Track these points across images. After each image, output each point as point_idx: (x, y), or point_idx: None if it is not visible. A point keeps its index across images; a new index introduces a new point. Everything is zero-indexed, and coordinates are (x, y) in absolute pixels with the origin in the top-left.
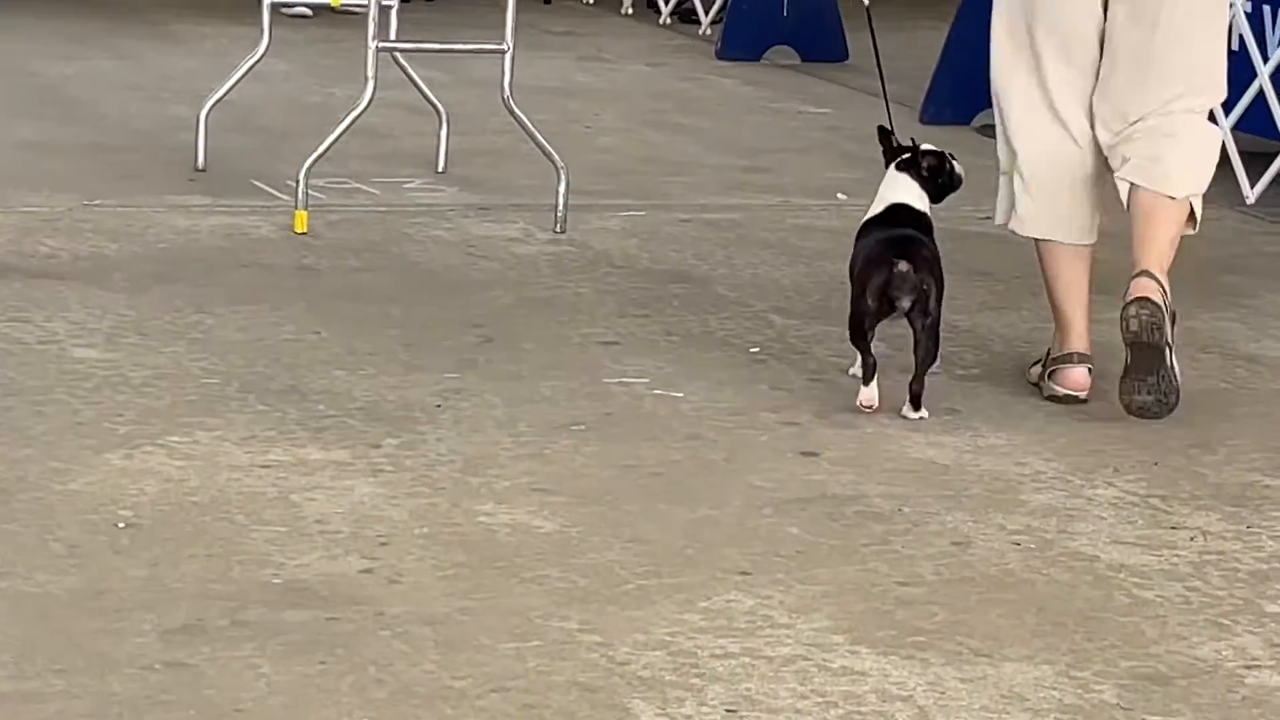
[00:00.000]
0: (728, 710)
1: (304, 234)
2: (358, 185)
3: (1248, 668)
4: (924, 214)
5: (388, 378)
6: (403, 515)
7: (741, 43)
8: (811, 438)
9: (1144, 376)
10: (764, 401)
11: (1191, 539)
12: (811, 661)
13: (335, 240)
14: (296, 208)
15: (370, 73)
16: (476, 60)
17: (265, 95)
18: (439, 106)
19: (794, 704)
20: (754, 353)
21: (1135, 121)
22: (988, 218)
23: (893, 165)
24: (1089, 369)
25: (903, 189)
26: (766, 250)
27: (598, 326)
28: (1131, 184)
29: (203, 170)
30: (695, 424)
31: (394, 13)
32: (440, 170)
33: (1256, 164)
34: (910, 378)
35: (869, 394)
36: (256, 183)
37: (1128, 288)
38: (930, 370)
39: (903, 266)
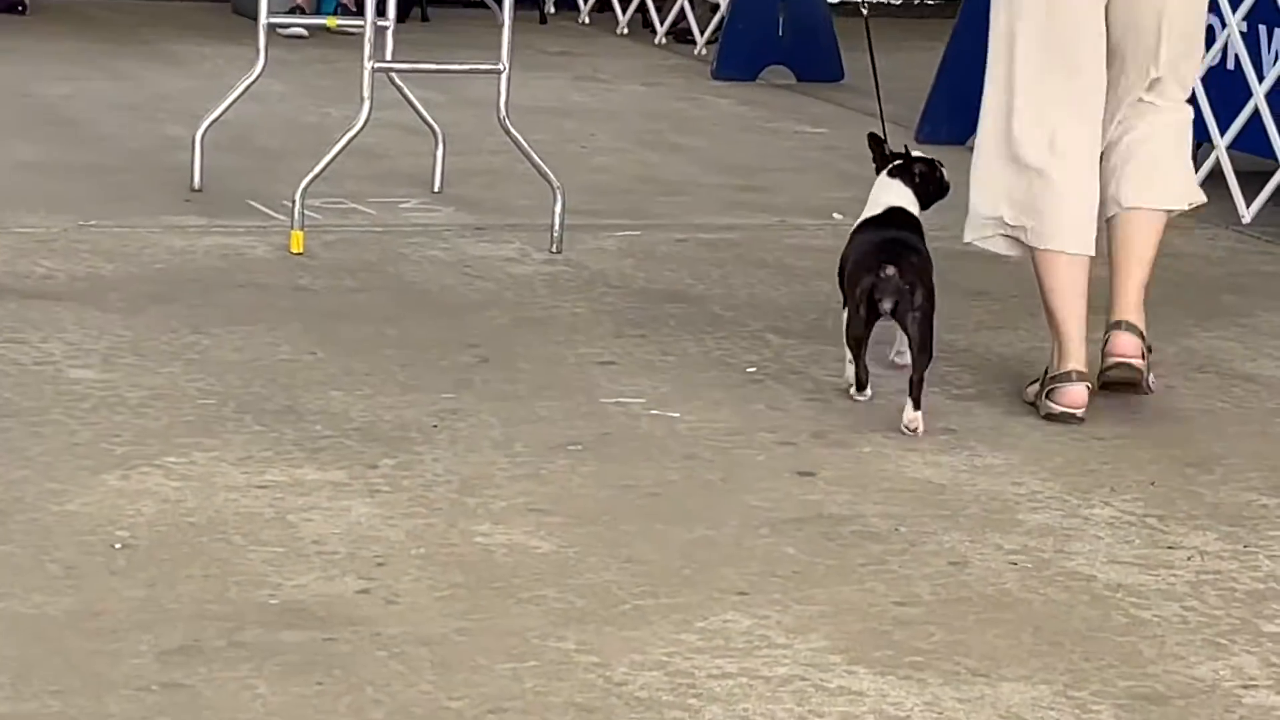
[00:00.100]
0: None
1: (300, 254)
2: (354, 205)
3: (1245, 687)
4: (916, 217)
5: (384, 398)
6: (399, 535)
7: (737, 63)
8: (808, 457)
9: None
10: (760, 421)
11: (1189, 558)
12: (809, 681)
13: (331, 260)
14: (292, 228)
15: (366, 93)
16: (472, 80)
17: (261, 116)
18: (435, 127)
19: None
20: (750, 372)
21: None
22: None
23: (885, 171)
24: (1087, 386)
25: (896, 193)
26: (763, 270)
27: (594, 346)
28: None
29: (199, 190)
30: (692, 444)
31: (390, 33)
32: (436, 190)
33: (1252, 183)
34: (909, 387)
35: (861, 396)
36: (252, 203)
37: (1108, 339)
38: (927, 366)
39: (888, 271)
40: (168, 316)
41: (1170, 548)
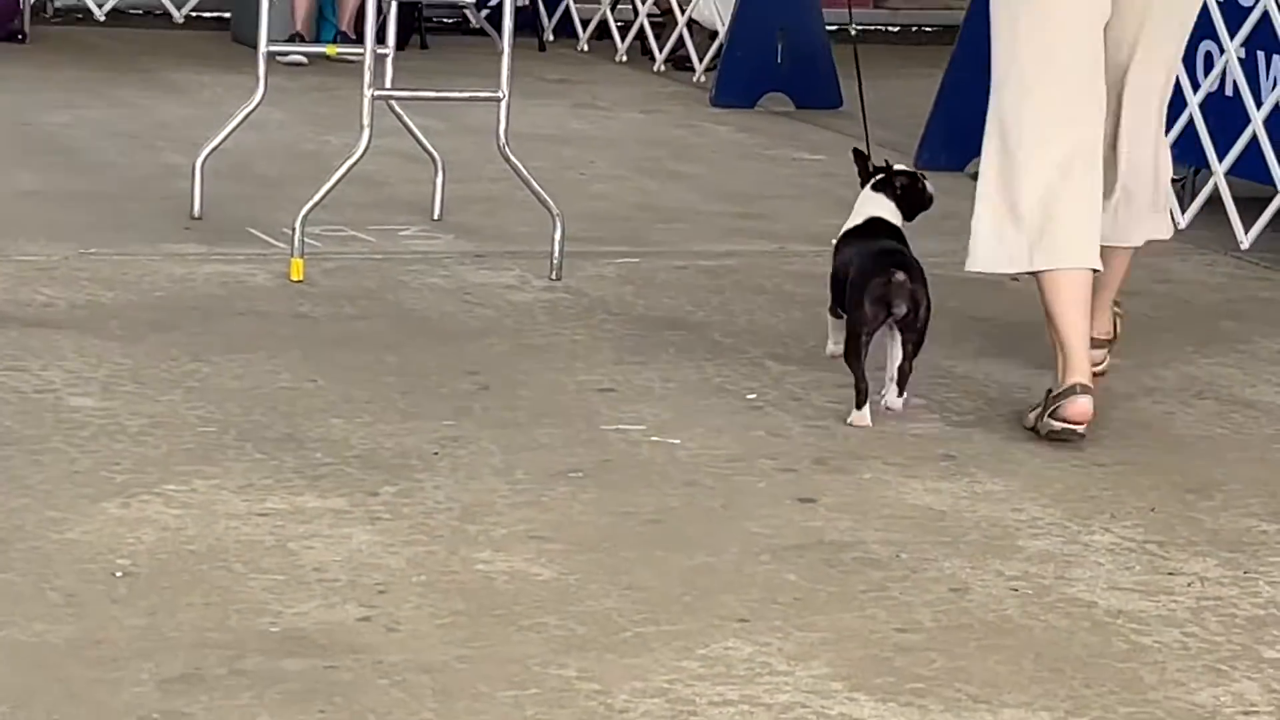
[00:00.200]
0: None
1: (300, 282)
2: (353, 233)
3: (1246, 714)
4: (899, 228)
5: (385, 425)
6: (400, 563)
7: (736, 90)
8: (809, 484)
9: None
10: (761, 448)
11: (1189, 585)
12: (810, 709)
13: (331, 288)
14: (292, 255)
15: (366, 120)
16: (472, 108)
17: (261, 143)
18: (434, 154)
19: None
20: (750, 399)
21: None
22: None
23: (868, 185)
24: (1091, 399)
25: (877, 205)
26: (762, 296)
27: (594, 373)
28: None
29: (199, 218)
30: (692, 471)
31: (389, 61)
32: (436, 218)
33: (1251, 209)
34: (897, 375)
35: (861, 416)
36: (252, 230)
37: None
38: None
39: (899, 276)
40: (168, 344)
41: (1171, 574)
